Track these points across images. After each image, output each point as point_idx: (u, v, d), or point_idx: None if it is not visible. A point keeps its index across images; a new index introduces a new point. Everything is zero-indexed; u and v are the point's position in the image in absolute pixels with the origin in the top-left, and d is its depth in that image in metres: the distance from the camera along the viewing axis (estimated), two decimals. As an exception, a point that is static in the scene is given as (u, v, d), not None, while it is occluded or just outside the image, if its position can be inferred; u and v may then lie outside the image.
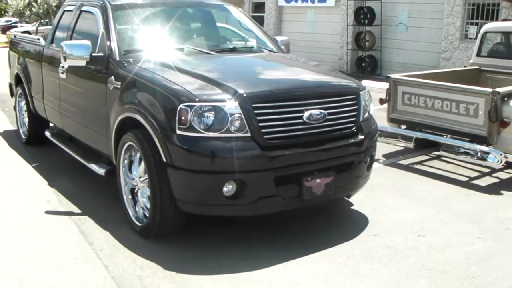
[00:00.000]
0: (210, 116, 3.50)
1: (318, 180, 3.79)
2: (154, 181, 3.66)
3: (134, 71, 4.08)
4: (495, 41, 7.22)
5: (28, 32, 16.73)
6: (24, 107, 6.60)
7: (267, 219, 4.19)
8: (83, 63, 4.41)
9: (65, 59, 4.40)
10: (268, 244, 3.94)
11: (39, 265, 3.52)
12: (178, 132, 3.51)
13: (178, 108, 3.51)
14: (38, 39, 6.15)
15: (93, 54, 4.39)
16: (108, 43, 4.42)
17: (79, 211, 4.49)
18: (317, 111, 3.77)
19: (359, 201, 4.71)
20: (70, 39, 5.16)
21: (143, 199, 3.95)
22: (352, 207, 4.68)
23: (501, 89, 5.25)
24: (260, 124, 3.56)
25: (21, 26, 31.47)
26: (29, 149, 6.40)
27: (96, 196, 4.86)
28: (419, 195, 5.09)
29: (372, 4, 13.76)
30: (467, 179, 5.63)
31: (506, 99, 5.26)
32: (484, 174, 5.76)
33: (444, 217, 4.55)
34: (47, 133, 5.82)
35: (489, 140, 5.29)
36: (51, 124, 6.27)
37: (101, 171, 4.56)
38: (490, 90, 5.24)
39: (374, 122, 4.39)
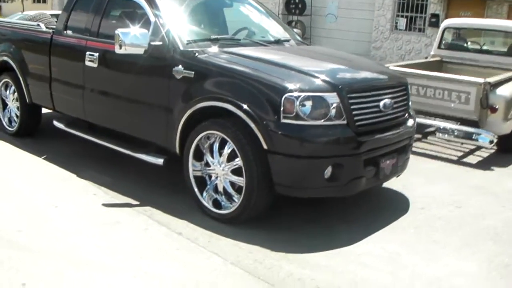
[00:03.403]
0: (314, 105, 3.73)
1: (388, 162, 4.20)
2: (251, 168, 3.79)
3: (212, 60, 4.14)
4: (454, 35, 8.11)
5: None
6: (12, 97, 6.18)
7: (318, 203, 4.50)
8: (141, 51, 4.36)
9: (120, 47, 4.31)
10: (340, 223, 4.26)
11: (150, 258, 3.49)
12: (283, 120, 3.70)
13: (283, 98, 3.69)
14: (38, 25, 5.79)
15: (152, 43, 4.36)
16: (166, 32, 4.39)
17: (136, 202, 4.44)
18: (388, 100, 4.16)
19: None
20: (99, 27, 5.01)
21: (226, 186, 4.06)
22: (383, 186, 5.14)
23: (490, 79, 6.02)
24: (353, 112, 3.87)
25: None
26: (22, 141, 6.00)
27: (141, 186, 4.82)
28: (429, 173, 5.69)
29: (303, -6, 14.38)
30: (456, 158, 6.37)
31: (492, 88, 6.04)
32: (467, 153, 6.56)
33: (463, 191, 5.17)
34: (59, 124, 5.54)
35: (480, 123, 6.05)
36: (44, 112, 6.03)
37: (158, 161, 4.52)
38: (482, 80, 5.97)
39: (412, 110, 4.88)
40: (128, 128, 4.84)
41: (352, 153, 3.85)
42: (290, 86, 3.75)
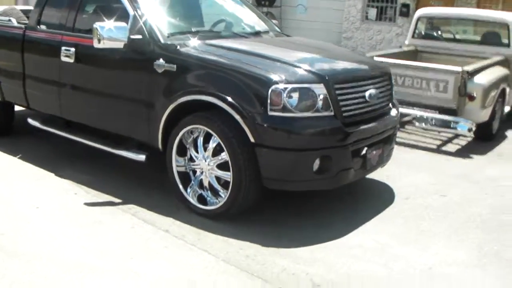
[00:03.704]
0: (301, 97, 3.68)
1: (374, 152, 4.20)
2: (238, 162, 3.72)
3: (194, 53, 4.06)
4: (428, 25, 8.18)
5: None
6: (-20, 94, 5.95)
7: (305, 196, 4.45)
8: (120, 45, 4.23)
9: (99, 41, 4.17)
10: (328, 215, 4.23)
11: (140, 258, 3.39)
12: (271, 113, 3.64)
13: (270, 90, 3.63)
14: (9, 20, 5.57)
15: (131, 37, 4.24)
16: (146, 25, 4.28)
17: (119, 200, 4.32)
18: (373, 91, 4.14)
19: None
20: (75, 21, 4.85)
21: (212, 181, 3.99)
22: (367, 177, 5.13)
23: (468, 68, 6.09)
24: (340, 103, 3.84)
25: None
26: (-6, 140, 5.82)
27: (123, 183, 4.68)
28: (410, 163, 5.71)
29: (273, -14, 14.26)
30: (435, 146, 6.44)
31: (470, 76, 6.11)
32: (445, 142, 6.63)
33: (445, 180, 5.21)
34: (34, 122, 5.34)
35: (458, 112, 6.11)
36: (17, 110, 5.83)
37: (139, 157, 4.41)
38: (460, 69, 6.03)
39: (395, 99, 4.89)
40: (108, 125, 4.70)
41: (340, 145, 3.82)
42: (276, 78, 3.70)
